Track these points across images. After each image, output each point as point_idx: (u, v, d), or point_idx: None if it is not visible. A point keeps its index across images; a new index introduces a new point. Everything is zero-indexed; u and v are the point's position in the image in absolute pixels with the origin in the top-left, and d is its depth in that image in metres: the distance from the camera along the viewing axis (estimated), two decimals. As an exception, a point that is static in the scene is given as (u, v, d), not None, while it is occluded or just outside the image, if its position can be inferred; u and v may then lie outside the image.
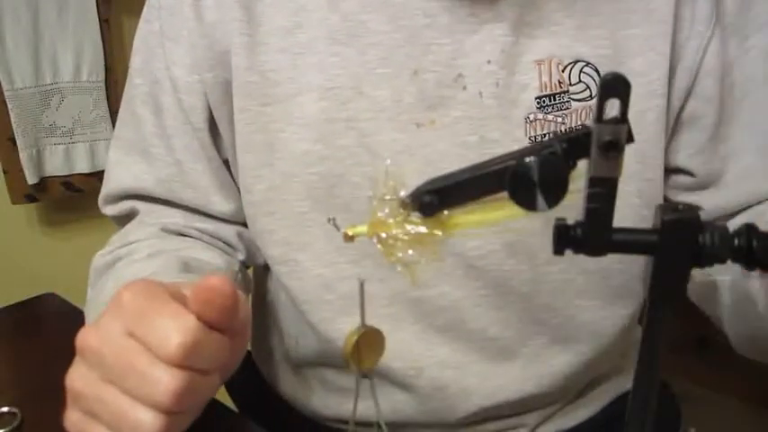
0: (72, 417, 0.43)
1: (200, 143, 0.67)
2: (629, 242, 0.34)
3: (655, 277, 0.33)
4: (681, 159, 0.66)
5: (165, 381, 0.39)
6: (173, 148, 0.67)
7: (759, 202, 0.65)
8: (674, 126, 0.65)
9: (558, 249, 0.34)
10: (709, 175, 0.66)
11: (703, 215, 0.58)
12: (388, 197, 0.36)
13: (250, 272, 0.78)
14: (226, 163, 0.69)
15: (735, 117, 0.64)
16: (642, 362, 0.35)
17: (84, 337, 0.42)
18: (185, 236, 0.70)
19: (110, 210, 0.73)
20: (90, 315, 0.63)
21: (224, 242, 0.72)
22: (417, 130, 0.61)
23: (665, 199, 0.69)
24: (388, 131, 0.61)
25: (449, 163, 0.61)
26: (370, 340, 0.41)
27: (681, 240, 0.32)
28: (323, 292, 0.66)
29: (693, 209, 0.33)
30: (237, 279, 0.69)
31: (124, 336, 0.41)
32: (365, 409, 0.48)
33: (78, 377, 0.42)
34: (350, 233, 0.37)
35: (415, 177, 0.60)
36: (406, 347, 0.66)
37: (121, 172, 0.71)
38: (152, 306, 0.41)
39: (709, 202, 0.66)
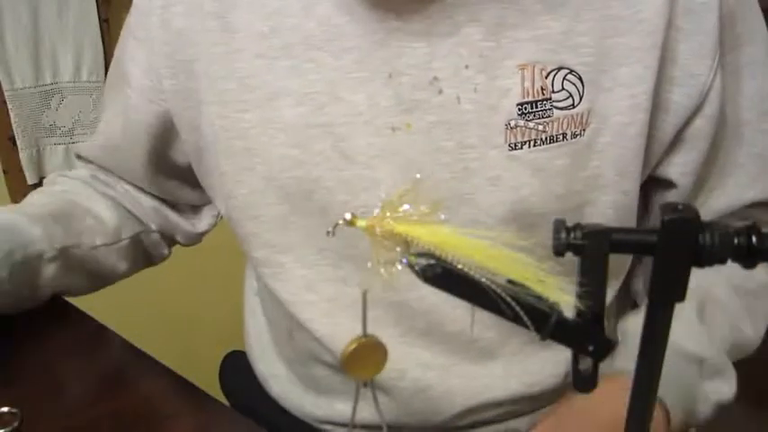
0: None
1: (147, 137, 0.72)
2: (628, 242, 0.34)
3: (655, 277, 0.33)
4: (672, 173, 0.65)
5: None
6: (123, 131, 0.74)
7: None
8: (672, 141, 0.63)
9: (559, 252, 0.34)
10: (698, 188, 0.66)
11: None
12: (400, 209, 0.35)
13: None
14: (179, 168, 0.75)
15: (725, 133, 0.64)
16: (642, 362, 0.35)
17: None
18: (112, 187, 0.80)
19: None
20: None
21: (143, 210, 0.81)
22: (393, 134, 0.60)
23: (650, 203, 0.69)
24: (364, 135, 0.61)
25: (424, 168, 0.60)
26: (370, 350, 0.41)
27: (681, 240, 0.32)
28: (306, 293, 0.67)
29: (693, 209, 0.33)
30: (122, 245, 0.78)
31: None
32: (357, 411, 0.48)
33: None
34: (348, 217, 0.36)
35: (390, 181, 0.60)
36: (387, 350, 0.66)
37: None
38: None
39: (701, 210, 0.66)
